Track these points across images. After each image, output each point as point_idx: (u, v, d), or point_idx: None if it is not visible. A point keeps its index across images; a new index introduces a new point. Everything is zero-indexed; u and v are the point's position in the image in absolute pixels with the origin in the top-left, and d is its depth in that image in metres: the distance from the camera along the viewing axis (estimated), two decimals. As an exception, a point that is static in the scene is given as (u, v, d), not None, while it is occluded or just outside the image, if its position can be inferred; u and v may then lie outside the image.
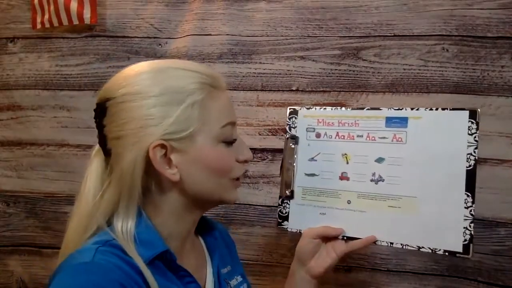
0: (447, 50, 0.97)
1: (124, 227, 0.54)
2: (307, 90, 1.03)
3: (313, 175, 0.77)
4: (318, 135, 0.78)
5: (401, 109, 0.73)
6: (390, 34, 0.99)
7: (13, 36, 1.19)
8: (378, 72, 1.00)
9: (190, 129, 0.55)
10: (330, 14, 1.02)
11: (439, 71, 0.97)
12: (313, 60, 1.03)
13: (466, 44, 0.96)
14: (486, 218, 0.94)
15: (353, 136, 0.75)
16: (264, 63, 1.05)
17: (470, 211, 0.66)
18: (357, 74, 1.01)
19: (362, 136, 0.74)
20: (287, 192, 0.78)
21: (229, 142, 0.59)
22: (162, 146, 0.54)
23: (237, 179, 0.62)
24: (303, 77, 1.04)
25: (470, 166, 0.66)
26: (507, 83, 0.94)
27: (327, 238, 0.73)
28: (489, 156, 0.94)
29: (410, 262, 0.99)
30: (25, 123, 1.19)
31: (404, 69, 0.99)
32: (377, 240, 0.70)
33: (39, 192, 1.19)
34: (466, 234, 0.65)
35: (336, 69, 1.02)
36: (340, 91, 1.02)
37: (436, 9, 0.97)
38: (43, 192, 1.19)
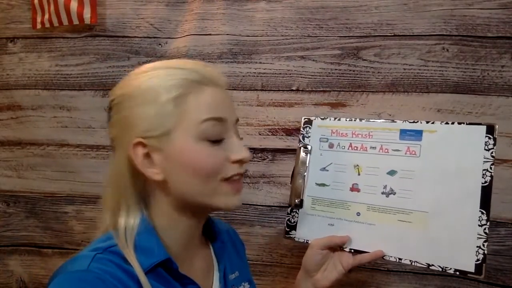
0: (447, 50, 0.97)
1: (128, 231, 0.54)
2: (307, 90, 1.03)
3: (323, 185, 0.76)
4: (331, 146, 0.77)
5: (416, 122, 0.72)
6: (390, 34, 0.99)
7: (13, 36, 1.19)
8: (378, 72, 1.00)
9: (166, 126, 0.54)
10: (330, 14, 1.02)
11: (439, 71, 0.97)
12: (313, 60, 1.03)
13: (466, 44, 0.96)
14: (486, 218, 0.94)
15: (366, 147, 0.74)
16: (264, 63, 1.05)
17: (484, 229, 0.63)
18: (357, 74, 1.01)
19: (375, 147, 0.73)
20: (296, 201, 0.77)
21: (214, 141, 0.55)
22: (143, 145, 0.54)
23: (229, 179, 0.57)
24: (303, 77, 1.04)
25: (486, 182, 0.64)
26: (507, 83, 0.94)
27: (334, 249, 0.72)
28: (489, 156, 0.94)
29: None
30: (25, 123, 1.19)
31: (404, 69, 0.99)
32: (385, 255, 0.69)
33: (39, 192, 1.19)
34: (479, 253, 0.63)
35: (336, 69, 1.02)
36: (340, 91, 1.02)
37: (436, 9, 0.97)
38: (43, 192, 1.19)
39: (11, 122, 1.20)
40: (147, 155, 0.54)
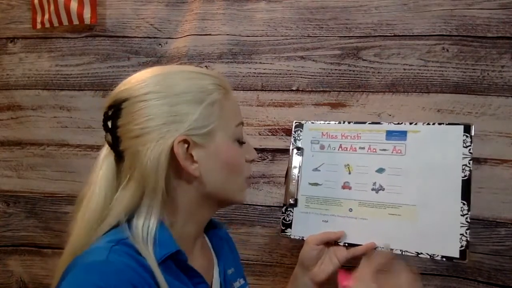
0: (447, 50, 0.97)
1: (146, 226, 0.54)
2: (307, 90, 1.04)
3: (316, 184, 0.81)
4: (322, 147, 0.82)
5: (400, 124, 0.78)
6: (390, 34, 0.99)
7: (13, 36, 1.19)
8: (378, 72, 1.00)
9: (211, 126, 0.58)
10: (330, 14, 1.02)
11: (439, 71, 0.97)
12: (313, 60, 1.03)
13: (466, 44, 0.96)
14: (486, 218, 0.94)
15: (355, 148, 0.80)
16: (264, 63, 1.05)
17: (466, 218, 0.69)
18: (357, 74, 1.01)
19: (364, 148, 0.79)
20: (291, 200, 0.81)
21: (241, 142, 0.63)
22: (185, 141, 0.56)
23: (248, 178, 0.65)
24: (303, 77, 1.04)
25: (465, 176, 0.70)
26: (507, 83, 0.94)
27: (329, 244, 0.75)
28: (489, 156, 0.94)
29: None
30: (25, 123, 1.19)
31: (404, 69, 0.99)
32: (377, 247, 0.73)
33: (39, 192, 1.19)
34: (462, 240, 0.68)
35: (336, 69, 1.02)
36: (340, 91, 1.02)
37: (436, 9, 0.97)
38: (43, 192, 1.19)
39: (11, 122, 1.20)
40: (186, 151, 0.57)
